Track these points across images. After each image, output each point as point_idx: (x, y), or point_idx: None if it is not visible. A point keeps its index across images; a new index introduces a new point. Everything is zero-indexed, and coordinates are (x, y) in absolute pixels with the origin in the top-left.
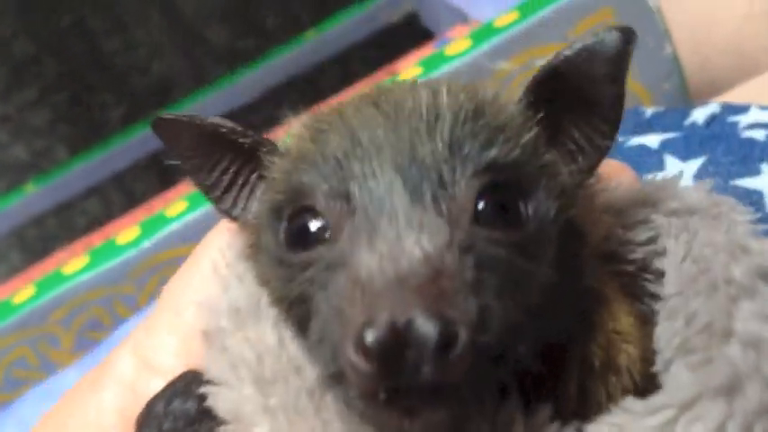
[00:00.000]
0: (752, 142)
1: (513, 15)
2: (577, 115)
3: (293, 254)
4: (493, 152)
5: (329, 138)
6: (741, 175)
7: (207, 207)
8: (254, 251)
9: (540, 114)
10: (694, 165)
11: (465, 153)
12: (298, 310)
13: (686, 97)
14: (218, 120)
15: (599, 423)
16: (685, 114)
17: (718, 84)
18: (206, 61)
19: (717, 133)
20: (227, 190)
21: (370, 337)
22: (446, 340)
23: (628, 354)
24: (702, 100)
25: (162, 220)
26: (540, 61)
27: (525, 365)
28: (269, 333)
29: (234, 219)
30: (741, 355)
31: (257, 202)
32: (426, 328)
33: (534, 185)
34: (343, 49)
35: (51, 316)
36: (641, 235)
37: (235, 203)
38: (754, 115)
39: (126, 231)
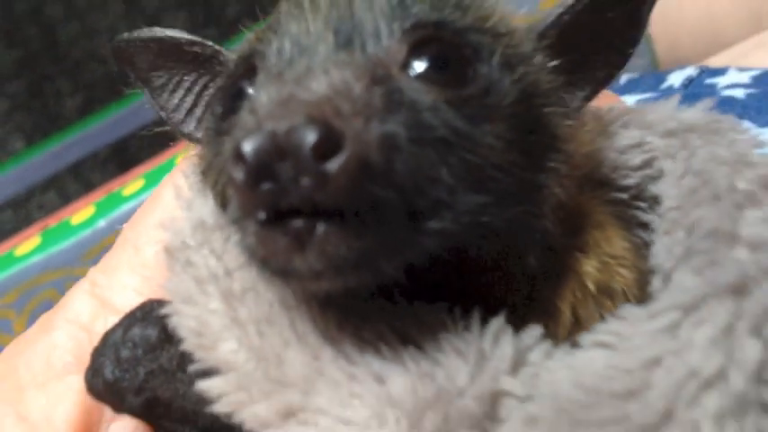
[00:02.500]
0: (732, 100)
1: None
2: (591, 45)
3: (226, 122)
4: (441, 14)
5: (277, 12)
6: None
7: None
8: (206, 165)
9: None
10: None
11: (409, 12)
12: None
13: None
14: (175, 32)
15: (594, 332)
16: (660, 79)
17: (689, 61)
18: None
19: (695, 93)
20: (189, 111)
21: (245, 144)
22: (325, 146)
23: (623, 277)
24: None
25: (118, 199)
26: None
27: (471, 248)
28: (237, 245)
29: (196, 140)
30: (749, 256)
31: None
32: (303, 132)
33: (485, 55)
34: None
35: (2, 299)
36: (635, 159)
37: (198, 124)
38: (731, 77)
39: (81, 212)
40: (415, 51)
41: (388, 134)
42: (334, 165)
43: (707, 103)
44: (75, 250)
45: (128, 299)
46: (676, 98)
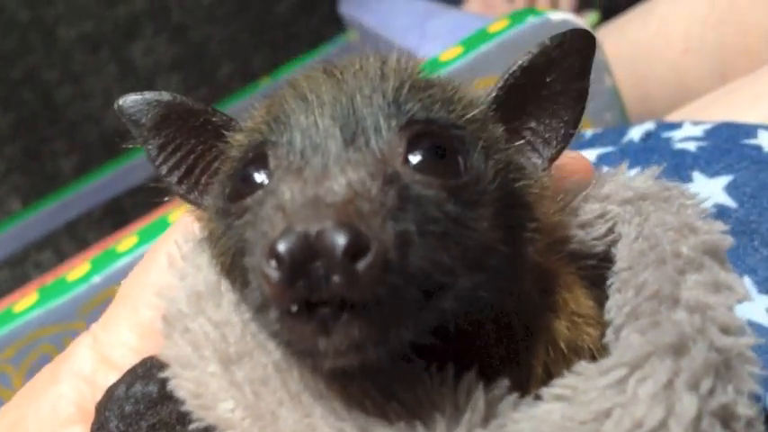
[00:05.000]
0: (684, 152)
1: (457, 50)
2: (542, 109)
3: (234, 204)
4: (429, 112)
5: (281, 101)
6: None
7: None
8: (212, 236)
9: (500, 104)
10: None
11: (404, 109)
12: (239, 262)
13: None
14: (188, 99)
15: (553, 387)
16: (622, 133)
17: (658, 115)
18: None
19: (651, 147)
20: (187, 174)
21: (281, 245)
22: (355, 249)
23: (589, 335)
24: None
25: (112, 255)
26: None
27: (463, 319)
28: (231, 313)
29: (191, 203)
30: (687, 318)
31: (218, 181)
32: (335, 236)
33: (470, 146)
34: None
35: (1, 354)
36: (601, 229)
37: (194, 186)
38: (686, 130)
39: (76, 268)
40: (412, 144)
41: (403, 232)
42: (362, 264)
43: (654, 170)
44: (72, 305)
45: (125, 356)
46: (624, 167)
